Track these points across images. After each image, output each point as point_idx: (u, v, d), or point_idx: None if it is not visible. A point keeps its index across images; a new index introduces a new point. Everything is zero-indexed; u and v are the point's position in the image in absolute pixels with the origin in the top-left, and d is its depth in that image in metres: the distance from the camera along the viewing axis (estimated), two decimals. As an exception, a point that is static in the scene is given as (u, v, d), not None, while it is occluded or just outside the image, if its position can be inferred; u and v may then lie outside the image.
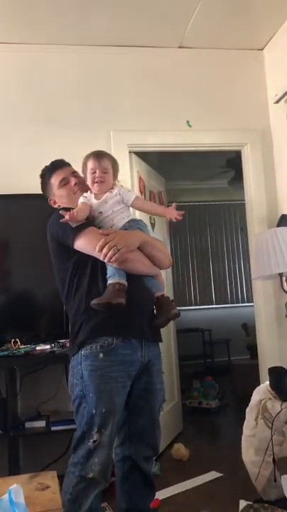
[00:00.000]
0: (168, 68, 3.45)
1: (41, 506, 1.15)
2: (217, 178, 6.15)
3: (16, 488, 1.03)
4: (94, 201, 1.96)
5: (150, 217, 3.61)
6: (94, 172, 1.95)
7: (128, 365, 1.86)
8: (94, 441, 1.77)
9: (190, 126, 3.42)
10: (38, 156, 3.13)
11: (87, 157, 2.00)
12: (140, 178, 3.46)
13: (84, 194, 1.99)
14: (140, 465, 1.99)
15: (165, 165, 4.47)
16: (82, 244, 1.88)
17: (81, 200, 1.97)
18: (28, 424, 2.77)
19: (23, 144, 3.16)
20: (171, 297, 2.07)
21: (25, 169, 3.11)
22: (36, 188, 2.89)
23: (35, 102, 3.23)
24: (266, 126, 3.52)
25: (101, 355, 1.81)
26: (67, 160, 2.13)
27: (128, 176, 3.29)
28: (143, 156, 3.58)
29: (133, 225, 2.01)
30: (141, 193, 3.47)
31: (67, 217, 1.83)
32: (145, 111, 3.37)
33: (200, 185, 6.74)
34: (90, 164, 1.96)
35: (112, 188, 1.98)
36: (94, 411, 1.79)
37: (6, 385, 2.80)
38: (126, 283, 1.84)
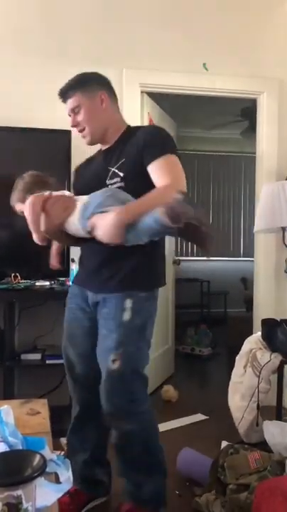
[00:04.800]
0: (188, 5, 3.27)
1: (31, 429, 1.20)
2: (229, 127, 6.00)
3: (7, 408, 1.07)
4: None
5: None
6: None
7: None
8: None
9: (206, 69, 3.28)
10: (49, 91, 3.05)
11: None
12: (150, 120, 3.37)
13: None
14: None
15: (177, 109, 4.34)
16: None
17: None
18: (23, 356, 2.84)
19: (35, 77, 3.02)
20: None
21: (35, 103, 3.03)
22: (46, 123, 2.84)
23: (48, 32, 3.08)
24: (284, 75, 3.38)
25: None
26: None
27: (139, 116, 3.20)
28: (155, 97, 3.47)
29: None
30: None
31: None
32: (160, 49, 3.21)
33: (211, 134, 6.58)
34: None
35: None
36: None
37: (5, 317, 2.87)
38: None
